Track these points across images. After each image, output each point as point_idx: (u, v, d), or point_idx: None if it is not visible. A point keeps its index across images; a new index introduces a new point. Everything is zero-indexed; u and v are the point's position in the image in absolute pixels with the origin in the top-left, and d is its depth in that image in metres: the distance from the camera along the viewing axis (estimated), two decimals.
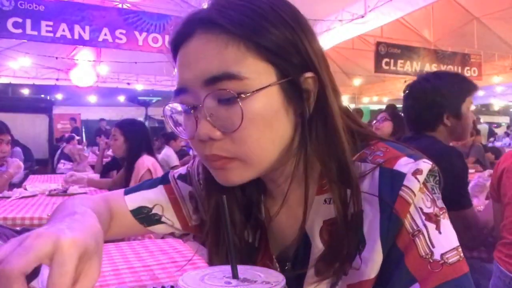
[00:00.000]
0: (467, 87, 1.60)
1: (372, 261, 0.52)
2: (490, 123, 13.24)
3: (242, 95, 0.51)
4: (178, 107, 0.58)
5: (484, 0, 7.27)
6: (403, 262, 0.50)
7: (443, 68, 8.14)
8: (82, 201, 0.60)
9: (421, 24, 8.21)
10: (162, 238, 1.81)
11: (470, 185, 2.04)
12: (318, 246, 0.58)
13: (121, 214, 0.74)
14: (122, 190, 0.78)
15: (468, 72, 8.38)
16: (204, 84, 0.53)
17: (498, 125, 17.97)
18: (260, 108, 0.52)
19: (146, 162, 2.66)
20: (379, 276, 0.53)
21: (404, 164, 0.53)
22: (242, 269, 0.45)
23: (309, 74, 0.55)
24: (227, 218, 0.48)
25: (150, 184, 0.79)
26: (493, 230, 1.59)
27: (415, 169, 0.52)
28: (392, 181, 0.52)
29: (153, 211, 0.76)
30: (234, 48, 0.52)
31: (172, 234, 0.80)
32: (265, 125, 0.53)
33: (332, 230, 0.56)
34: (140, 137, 2.79)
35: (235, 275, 0.44)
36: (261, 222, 0.66)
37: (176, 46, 0.57)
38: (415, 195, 0.51)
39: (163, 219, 0.76)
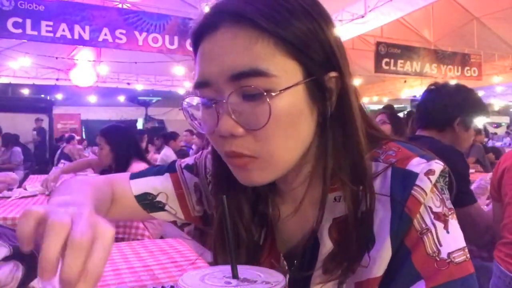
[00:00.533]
0: (484, 108, 1.75)
1: (380, 259, 0.52)
2: (490, 123, 13.22)
3: (272, 93, 0.50)
4: (195, 100, 0.57)
5: (484, 0, 7.27)
6: (410, 259, 0.51)
7: (443, 68, 8.13)
8: (81, 186, 0.60)
9: (421, 24, 8.20)
10: (162, 238, 1.80)
11: (472, 186, 2.04)
12: (326, 244, 0.57)
13: (124, 198, 0.74)
14: (127, 174, 0.78)
15: (468, 72, 8.37)
16: (230, 79, 0.51)
17: (498, 125, 17.96)
18: (286, 107, 0.51)
19: None
20: (385, 273, 0.53)
21: (417, 164, 0.53)
22: (242, 269, 0.45)
23: (333, 74, 0.55)
24: (227, 218, 0.48)
25: (156, 171, 0.79)
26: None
27: (427, 169, 0.53)
28: (404, 181, 0.53)
29: (158, 199, 0.76)
30: (264, 44, 0.51)
31: (173, 222, 0.81)
32: (290, 124, 0.52)
33: (341, 228, 0.56)
34: (127, 143, 2.59)
35: (235, 275, 0.44)
36: (268, 220, 0.65)
37: (198, 38, 0.55)
38: (426, 194, 0.52)
39: (166, 207, 0.76)
